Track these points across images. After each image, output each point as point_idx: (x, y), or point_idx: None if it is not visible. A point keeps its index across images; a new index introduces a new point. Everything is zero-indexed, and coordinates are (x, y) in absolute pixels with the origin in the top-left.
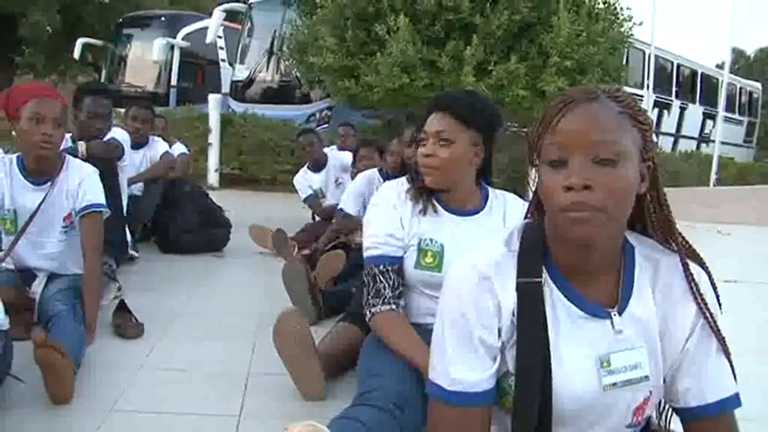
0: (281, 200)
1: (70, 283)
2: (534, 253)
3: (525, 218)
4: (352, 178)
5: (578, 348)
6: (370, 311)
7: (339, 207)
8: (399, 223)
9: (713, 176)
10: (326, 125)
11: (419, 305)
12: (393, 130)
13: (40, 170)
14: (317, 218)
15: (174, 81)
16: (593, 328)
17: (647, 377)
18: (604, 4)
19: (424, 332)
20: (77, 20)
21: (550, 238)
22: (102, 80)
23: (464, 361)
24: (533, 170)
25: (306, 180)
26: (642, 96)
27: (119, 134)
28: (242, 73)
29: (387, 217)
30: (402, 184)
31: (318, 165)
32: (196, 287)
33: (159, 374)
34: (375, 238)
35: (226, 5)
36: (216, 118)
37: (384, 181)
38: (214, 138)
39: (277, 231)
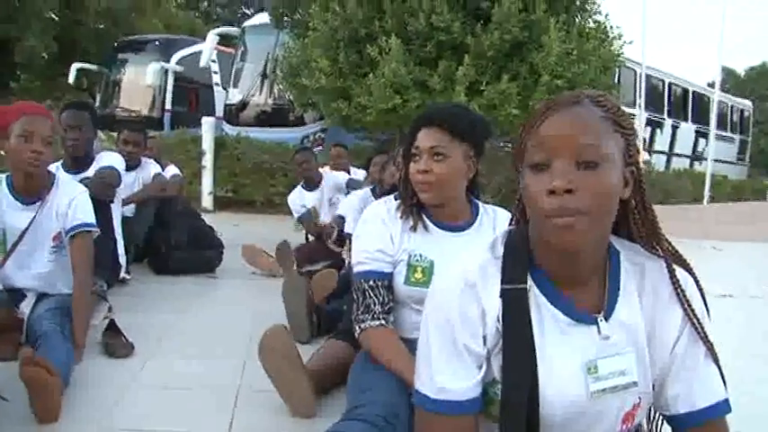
0: (276, 222)
1: (59, 302)
2: (519, 259)
3: (510, 224)
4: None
5: (565, 355)
6: (359, 327)
7: (347, 232)
8: (389, 239)
9: (707, 194)
10: (321, 147)
11: (409, 320)
12: (387, 151)
13: (29, 189)
14: (311, 238)
15: (168, 105)
16: (580, 333)
17: (635, 383)
18: (595, 23)
19: (414, 347)
20: (72, 45)
21: (535, 243)
22: (97, 104)
23: (450, 369)
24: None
25: (300, 199)
26: (635, 115)
27: (114, 160)
28: (235, 96)
29: (376, 233)
30: (390, 200)
31: (312, 183)
32: (187, 307)
33: (148, 392)
34: (365, 254)
35: (220, 29)
36: (210, 141)
37: (376, 198)
38: (208, 160)
39: (282, 243)
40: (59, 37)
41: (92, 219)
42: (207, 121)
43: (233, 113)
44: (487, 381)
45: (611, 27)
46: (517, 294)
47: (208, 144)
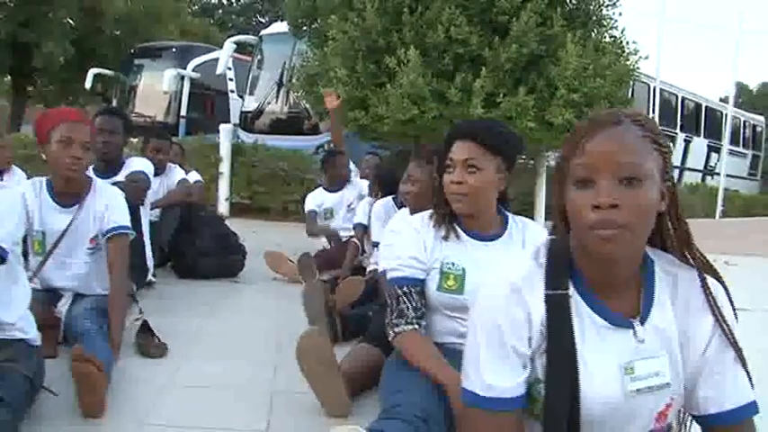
0: (291, 229)
1: (95, 302)
2: (561, 267)
3: (549, 234)
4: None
5: (604, 356)
6: (393, 331)
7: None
8: (423, 247)
9: (719, 209)
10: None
11: (441, 326)
12: (402, 161)
13: (68, 192)
14: (331, 245)
15: (183, 111)
16: (617, 337)
17: (668, 384)
18: (611, 38)
19: (446, 351)
20: (90, 50)
21: (576, 252)
22: None
23: (497, 368)
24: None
25: (319, 198)
26: None
27: (144, 165)
28: (251, 104)
29: (410, 241)
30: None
31: (335, 185)
32: (215, 310)
33: (185, 391)
34: (399, 261)
35: (237, 37)
36: (227, 148)
37: (398, 207)
38: (225, 167)
39: (302, 255)
40: (77, 43)
41: (128, 222)
42: (224, 129)
43: (248, 121)
44: (531, 380)
45: (627, 42)
46: (560, 299)
47: (225, 151)
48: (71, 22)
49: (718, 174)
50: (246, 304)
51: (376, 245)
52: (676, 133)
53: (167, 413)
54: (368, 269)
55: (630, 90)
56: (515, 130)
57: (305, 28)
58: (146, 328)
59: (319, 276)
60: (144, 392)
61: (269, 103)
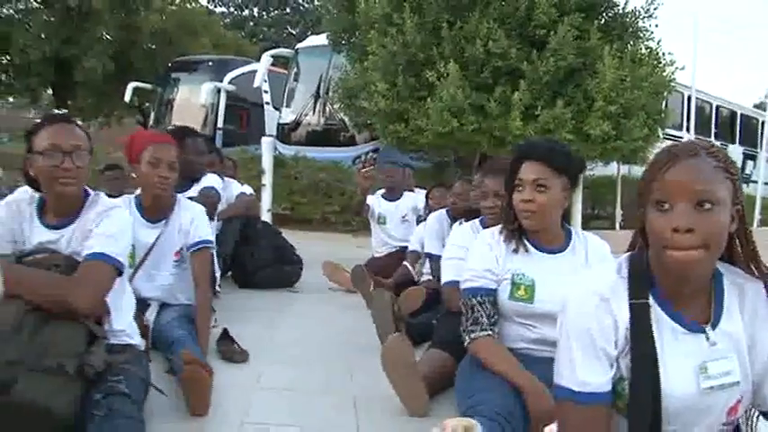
0: (333, 240)
1: (181, 311)
2: (641, 279)
3: (628, 250)
4: (419, 221)
5: (680, 358)
6: (469, 337)
7: (426, 252)
8: (495, 260)
9: (756, 217)
10: (372, 167)
11: (512, 332)
12: (441, 172)
13: (156, 209)
14: (378, 254)
15: (220, 123)
16: (692, 341)
17: (737, 382)
18: (647, 49)
19: (517, 356)
20: (126, 64)
21: (654, 267)
22: (151, 122)
23: (590, 367)
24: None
25: (375, 203)
26: (681, 138)
27: (214, 181)
28: (288, 116)
29: (484, 254)
30: (476, 224)
31: (393, 195)
32: (278, 318)
33: (272, 393)
34: (474, 272)
35: (273, 51)
36: (269, 160)
37: (451, 220)
38: (267, 179)
39: (356, 267)
40: (114, 57)
41: (210, 236)
42: (266, 141)
43: (286, 133)
44: (616, 378)
45: (663, 53)
46: (641, 308)
47: (267, 163)
48: (109, 37)
49: (755, 182)
50: (308, 313)
51: (429, 256)
52: (711, 142)
53: (262, 413)
54: (421, 279)
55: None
56: None
57: (344, 42)
58: (226, 336)
59: (373, 286)
60: (236, 394)
61: (306, 115)
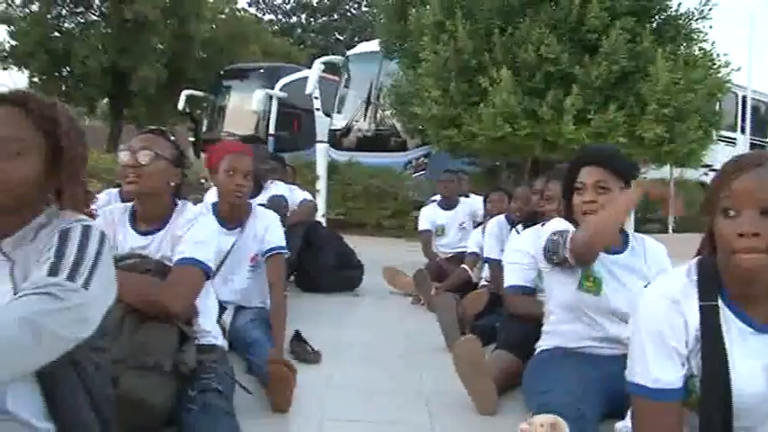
0: (387, 245)
1: (257, 314)
2: (710, 282)
3: (696, 254)
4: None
5: (749, 356)
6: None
7: (486, 256)
8: None
9: None
10: (423, 172)
11: (579, 330)
12: (493, 178)
13: (232, 216)
14: (438, 257)
15: (272, 129)
16: (759, 340)
17: None
18: (701, 51)
19: (581, 355)
20: (179, 73)
21: (722, 271)
22: (204, 129)
23: (662, 365)
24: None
25: (432, 214)
26: (736, 139)
27: (283, 190)
28: (340, 122)
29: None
30: (538, 229)
31: (450, 203)
32: (343, 321)
33: (348, 392)
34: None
35: (325, 58)
36: (323, 165)
37: (510, 225)
38: (321, 185)
39: (418, 272)
40: (168, 66)
41: (284, 242)
42: (320, 148)
43: (337, 138)
44: (688, 375)
45: (718, 55)
46: (711, 309)
47: (321, 169)
48: (162, 47)
49: None
50: (371, 316)
51: (488, 260)
52: (766, 143)
53: (338, 410)
54: (480, 284)
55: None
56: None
57: (396, 49)
58: (298, 337)
59: (436, 290)
60: (311, 393)
61: (357, 121)
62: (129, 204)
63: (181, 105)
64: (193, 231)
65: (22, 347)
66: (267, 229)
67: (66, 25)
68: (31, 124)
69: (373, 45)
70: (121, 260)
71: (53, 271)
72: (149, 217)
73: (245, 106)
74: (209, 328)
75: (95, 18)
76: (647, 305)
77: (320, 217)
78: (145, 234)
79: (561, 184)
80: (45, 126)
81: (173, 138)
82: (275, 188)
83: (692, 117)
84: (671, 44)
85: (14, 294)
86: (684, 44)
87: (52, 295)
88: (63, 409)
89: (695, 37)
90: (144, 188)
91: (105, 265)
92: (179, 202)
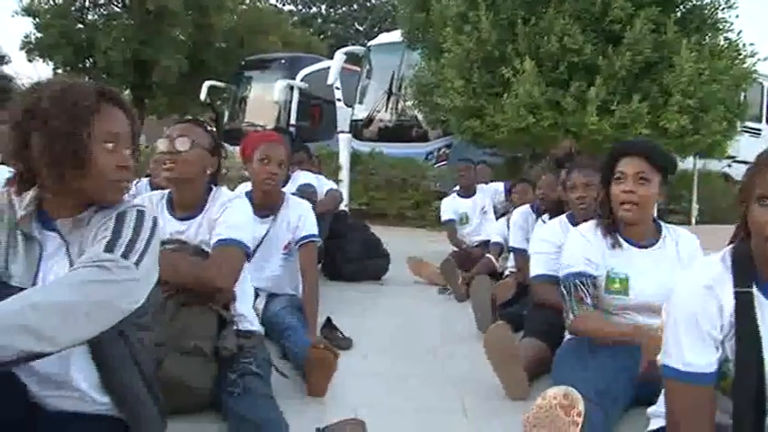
0: (409, 234)
1: (288, 301)
2: (744, 269)
3: (730, 242)
4: (497, 215)
5: None
6: (573, 315)
7: (511, 246)
8: (594, 252)
9: None
10: (445, 162)
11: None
12: (515, 168)
13: (265, 204)
14: (464, 245)
15: (293, 120)
16: None
17: None
18: (726, 41)
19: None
20: (200, 63)
21: (757, 258)
22: (225, 119)
23: (695, 349)
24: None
25: (453, 204)
26: (760, 130)
27: (312, 179)
28: (361, 112)
29: (584, 245)
30: (563, 220)
31: (468, 192)
32: (369, 309)
33: (380, 378)
34: (574, 259)
35: (346, 49)
36: (346, 156)
37: (536, 215)
38: (344, 175)
39: (445, 261)
40: (189, 57)
41: (316, 231)
42: (343, 138)
43: (359, 129)
44: (722, 359)
45: (744, 44)
46: (745, 295)
47: (344, 159)
48: (183, 38)
49: None
50: (398, 304)
51: (513, 250)
52: None
53: (372, 395)
54: (505, 273)
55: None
56: (629, 137)
57: (418, 39)
58: (330, 324)
59: (462, 279)
60: (344, 379)
61: (378, 112)
62: (166, 191)
63: (203, 96)
64: (229, 214)
65: (74, 313)
66: (301, 219)
67: (89, 17)
68: (127, 119)
69: (395, 36)
70: (162, 245)
71: (109, 247)
72: (186, 203)
73: (267, 97)
74: (246, 313)
75: (118, 10)
76: (682, 290)
77: (342, 207)
78: (182, 220)
79: (585, 172)
80: (133, 125)
81: (210, 128)
82: (303, 177)
83: (716, 108)
84: (696, 34)
85: None
86: (710, 34)
87: (107, 269)
88: (116, 380)
89: (721, 27)
90: (180, 174)
91: (154, 247)
92: (213, 188)
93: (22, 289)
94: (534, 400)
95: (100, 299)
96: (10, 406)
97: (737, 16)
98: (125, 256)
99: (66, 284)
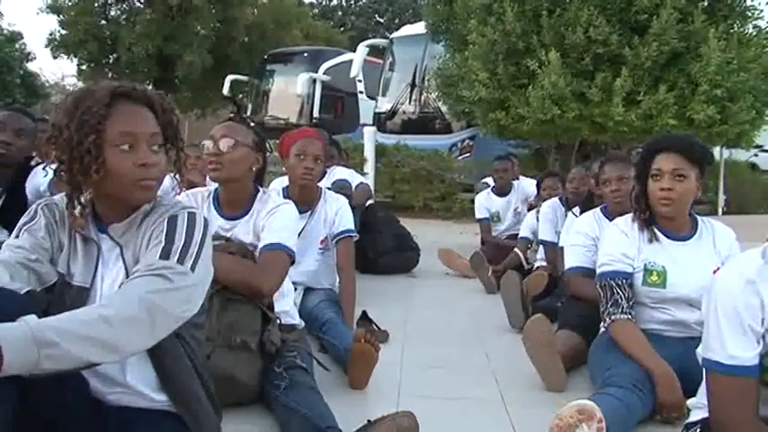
0: (435, 226)
1: (327, 295)
2: None
3: None
4: (529, 208)
5: None
6: (609, 318)
7: (541, 239)
8: (632, 247)
9: None
10: (468, 154)
11: (647, 315)
12: (540, 160)
13: (302, 199)
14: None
15: (316, 113)
16: None
17: None
18: (755, 28)
19: (650, 336)
20: (223, 58)
21: None
22: (248, 113)
23: (738, 342)
24: None
25: (487, 202)
26: None
27: (347, 174)
28: (384, 105)
29: (620, 241)
30: (597, 213)
31: (504, 190)
32: (401, 301)
33: (418, 369)
34: (610, 257)
35: (369, 41)
36: (371, 148)
37: (564, 208)
38: (370, 167)
39: (475, 254)
40: (213, 51)
41: (353, 226)
42: (368, 131)
43: (382, 121)
44: (763, 353)
45: None
46: None
47: (369, 152)
48: (205, 32)
49: None
50: (431, 296)
51: (542, 242)
52: None
53: (412, 387)
54: (535, 265)
55: None
56: (657, 128)
57: (442, 31)
58: (366, 317)
59: (492, 272)
60: (383, 371)
61: (402, 104)
62: (212, 188)
63: (226, 90)
64: (278, 218)
65: (140, 324)
66: (338, 214)
67: (111, 13)
68: (156, 119)
69: (417, 27)
70: None
71: (164, 254)
72: (233, 202)
73: (289, 90)
74: (287, 309)
75: (141, 5)
76: (723, 285)
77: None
78: (229, 219)
79: (617, 166)
80: (164, 120)
81: (252, 124)
82: (339, 172)
83: (744, 97)
84: (724, 23)
85: (126, 274)
86: (738, 22)
87: (165, 277)
88: (172, 379)
89: (749, 14)
90: (227, 175)
91: (207, 249)
92: (260, 189)
93: (82, 288)
94: (570, 390)
95: (163, 308)
96: (77, 402)
97: (767, 3)
98: (180, 261)
99: (133, 297)
